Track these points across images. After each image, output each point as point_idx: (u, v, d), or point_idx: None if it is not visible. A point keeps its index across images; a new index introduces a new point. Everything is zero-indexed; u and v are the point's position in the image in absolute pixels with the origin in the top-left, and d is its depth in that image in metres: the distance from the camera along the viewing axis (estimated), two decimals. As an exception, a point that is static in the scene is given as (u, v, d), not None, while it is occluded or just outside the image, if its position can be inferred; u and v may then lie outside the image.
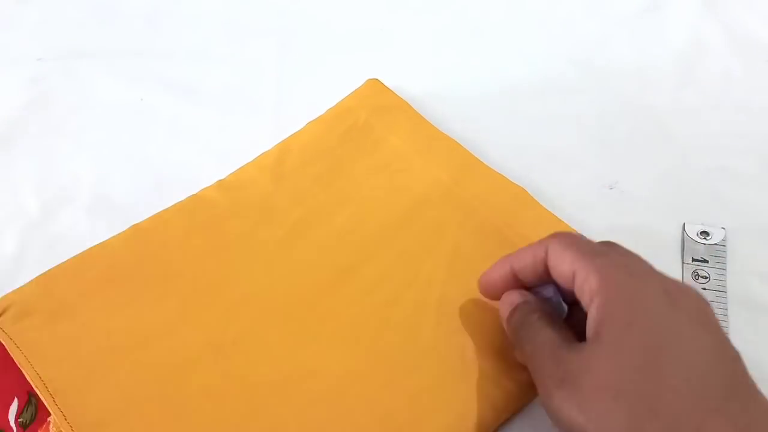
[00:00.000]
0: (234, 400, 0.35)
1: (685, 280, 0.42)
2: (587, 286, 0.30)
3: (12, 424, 0.36)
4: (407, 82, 0.51)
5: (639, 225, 0.45)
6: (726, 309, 0.41)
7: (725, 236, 0.44)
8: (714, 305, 0.40)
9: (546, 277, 0.34)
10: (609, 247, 0.32)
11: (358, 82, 0.50)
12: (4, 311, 0.37)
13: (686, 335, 0.28)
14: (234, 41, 0.58)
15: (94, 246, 0.41)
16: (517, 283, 0.35)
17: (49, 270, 0.40)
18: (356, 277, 0.40)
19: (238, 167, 0.46)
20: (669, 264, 0.43)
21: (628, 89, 0.53)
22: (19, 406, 0.36)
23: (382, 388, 0.36)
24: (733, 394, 0.27)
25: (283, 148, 0.47)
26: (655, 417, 0.26)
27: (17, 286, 0.39)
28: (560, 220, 0.42)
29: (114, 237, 0.42)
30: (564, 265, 0.32)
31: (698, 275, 0.42)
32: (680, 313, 0.29)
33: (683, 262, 0.43)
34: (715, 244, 0.43)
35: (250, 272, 0.40)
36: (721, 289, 0.41)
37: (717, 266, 0.42)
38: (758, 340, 0.40)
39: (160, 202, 0.45)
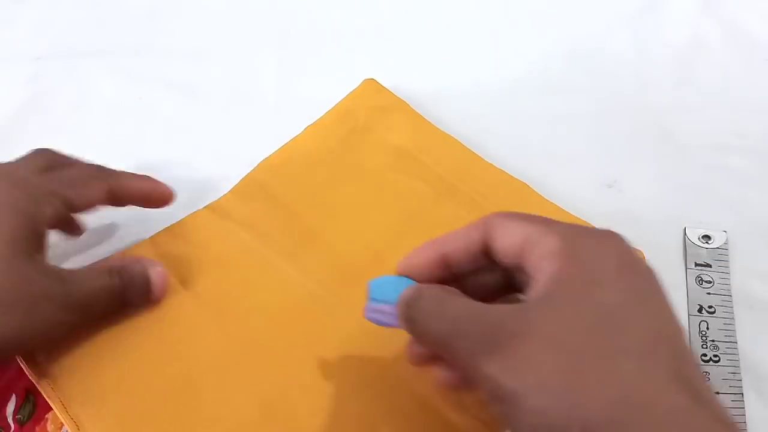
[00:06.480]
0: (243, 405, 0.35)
1: (689, 285, 0.42)
2: (545, 248, 0.28)
3: (9, 420, 0.36)
4: (407, 81, 0.51)
5: (638, 223, 0.44)
6: (732, 312, 0.41)
7: (727, 239, 0.44)
8: (720, 310, 0.41)
9: (480, 261, 0.31)
10: (584, 227, 0.30)
11: (358, 82, 0.50)
12: None
13: (643, 302, 0.26)
14: (234, 41, 0.58)
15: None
16: (447, 270, 0.32)
17: None
18: (363, 283, 0.40)
19: (240, 175, 0.46)
20: (668, 261, 0.43)
21: (628, 88, 0.53)
22: (16, 403, 0.36)
23: (387, 392, 0.36)
24: (683, 362, 0.25)
25: (284, 155, 0.47)
26: (603, 381, 0.24)
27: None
28: (565, 210, 0.42)
29: (134, 246, 0.43)
30: (514, 236, 0.29)
31: (702, 280, 0.42)
32: (637, 278, 0.27)
33: (686, 267, 0.43)
34: (717, 247, 0.43)
35: (262, 280, 0.40)
36: (725, 292, 0.41)
37: (720, 270, 0.42)
38: (764, 341, 0.40)
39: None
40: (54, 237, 0.45)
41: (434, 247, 0.32)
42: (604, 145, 0.50)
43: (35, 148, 0.40)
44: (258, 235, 0.42)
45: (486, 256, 0.31)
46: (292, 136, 0.48)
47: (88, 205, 0.38)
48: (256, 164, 0.46)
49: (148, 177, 0.42)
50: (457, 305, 0.28)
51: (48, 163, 0.39)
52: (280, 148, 0.47)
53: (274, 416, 0.35)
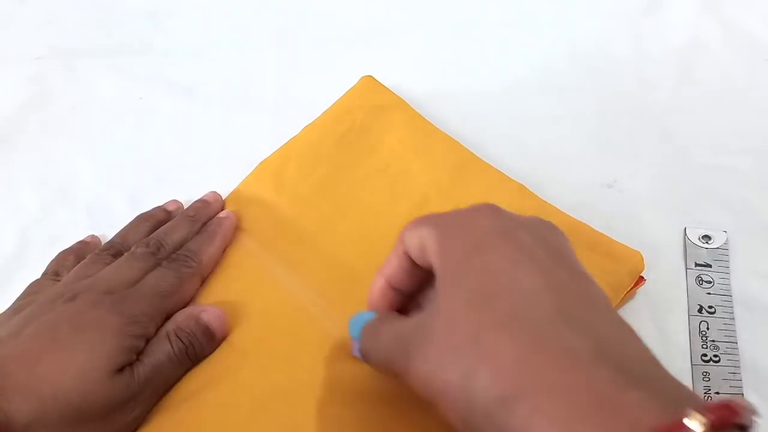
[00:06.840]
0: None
1: (689, 285, 0.42)
2: (431, 247, 0.29)
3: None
4: (406, 80, 0.51)
5: (638, 223, 0.45)
6: (732, 312, 0.41)
7: (727, 239, 0.44)
8: (720, 310, 0.41)
9: (419, 274, 0.32)
10: (460, 209, 0.31)
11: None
12: None
13: (515, 271, 0.27)
14: (234, 40, 0.58)
15: None
16: (396, 294, 0.33)
17: None
18: (362, 289, 0.39)
19: (240, 175, 0.46)
20: (668, 261, 0.43)
21: (628, 88, 0.53)
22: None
23: (386, 398, 0.35)
24: (564, 318, 0.25)
25: (282, 156, 0.46)
26: (481, 357, 0.25)
27: (16, 285, 0.40)
28: (563, 212, 0.42)
29: None
30: (414, 243, 0.30)
31: (702, 280, 0.42)
32: (511, 250, 0.28)
33: (686, 267, 0.43)
34: (717, 248, 0.43)
35: (262, 286, 0.40)
36: (725, 292, 0.41)
37: (720, 270, 0.42)
38: (764, 341, 0.40)
39: (159, 201, 0.45)
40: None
41: (379, 277, 0.33)
42: (604, 145, 0.50)
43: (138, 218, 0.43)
44: (257, 241, 0.42)
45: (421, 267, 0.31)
46: (292, 136, 0.47)
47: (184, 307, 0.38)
48: (256, 164, 0.46)
49: (215, 227, 0.42)
50: (384, 330, 0.31)
51: (147, 251, 0.39)
52: (279, 148, 0.47)
53: (273, 421, 0.35)
